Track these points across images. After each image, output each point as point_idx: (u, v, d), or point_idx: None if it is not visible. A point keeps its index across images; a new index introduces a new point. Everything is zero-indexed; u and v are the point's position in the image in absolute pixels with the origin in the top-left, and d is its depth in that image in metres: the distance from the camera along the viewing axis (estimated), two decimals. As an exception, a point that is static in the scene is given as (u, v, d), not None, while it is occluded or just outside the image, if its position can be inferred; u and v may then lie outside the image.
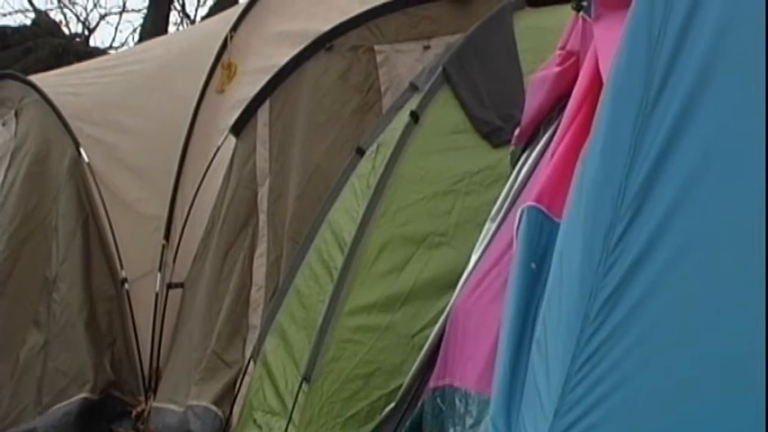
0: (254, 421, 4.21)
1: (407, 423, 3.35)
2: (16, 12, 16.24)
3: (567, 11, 3.03)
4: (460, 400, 2.95)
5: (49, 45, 11.95)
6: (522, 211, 2.44)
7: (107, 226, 5.51)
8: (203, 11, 15.37)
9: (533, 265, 2.29)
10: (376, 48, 4.96)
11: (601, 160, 1.82)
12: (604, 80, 2.38)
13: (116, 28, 20.56)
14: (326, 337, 3.88)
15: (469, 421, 2.89)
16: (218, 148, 5.39)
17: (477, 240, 3.25)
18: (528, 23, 4.18)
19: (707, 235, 1.71)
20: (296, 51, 5.01)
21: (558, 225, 2.13)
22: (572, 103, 2.66)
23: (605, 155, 1.81)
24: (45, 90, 5.83)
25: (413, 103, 4.03)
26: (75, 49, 12.20)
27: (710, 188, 1.72)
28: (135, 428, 5.25)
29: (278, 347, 4.17)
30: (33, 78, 6.09)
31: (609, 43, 2.38)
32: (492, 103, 4.06)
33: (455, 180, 3.82)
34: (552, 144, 2.74)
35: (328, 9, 5.37)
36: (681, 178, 1.73)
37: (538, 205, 2.42)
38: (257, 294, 4.95)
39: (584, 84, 2.62)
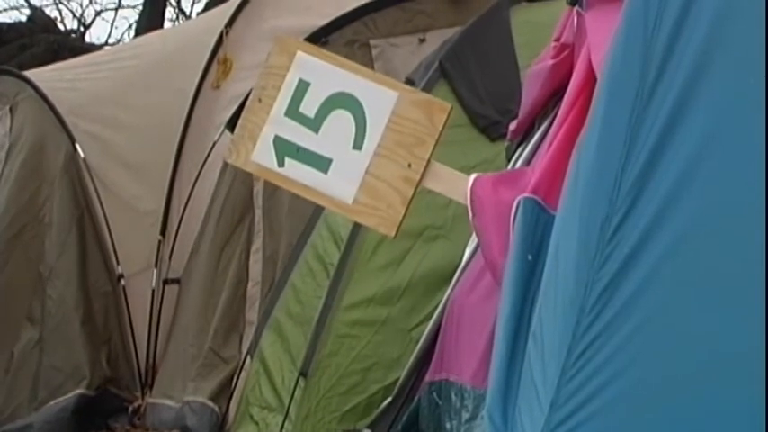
0: (251, 417, 4.21)
1: (404, 417, 3.35)
2: (11, 8, 16.23)
3: (563, 5, 3.03)
4: (456, 395, 2.95)
5: (44, 41, 11.93)
6: (519, 203, 2.43)
7: (103, 222, 5.51)
8: (199, 7, 15.36)
9: (530, 257, 2.29)
10: (371, 42, 4.96)
11: (596, 152, 1.81)
12: (596, 71, 2.38)
13: (112, 24, 20.50)
14: (323, 331, 3.88)
15: (465, 416, 2.89)
16: (215, 144, 5.39)
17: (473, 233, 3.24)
18: (524, 18, 4.18)
19: (703, 227, 1.70)
20: (292, 46, 5.00)
21: (554, 217, 2.12)
22: (568, 96, 2.65)
23: (601, 146, 1.81)
24: (40, 85, 5.82)
25: (409, 98, 4.02)
26: (71, 46, 12.18)
27: (707, 180, 1.71)
28: (131, 424, 5.25)
29: (274, 343, 4.17)
30: (28, 74, 6.08)
31: (600, 34, 2.38)
32: (489, 97, 4.06)
33: (452, 174, 3.82)
34: (548, 137, 2.73)
35: (324, 4, 5.37)
36: (677, 170, 1.72)
37: (534, 197, 2.42)
38: (253, 290, 4.95)
39: (580, 77, 2.61)
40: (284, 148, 2.70)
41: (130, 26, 15.75)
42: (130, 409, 5.29)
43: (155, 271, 5.50)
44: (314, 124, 2.69)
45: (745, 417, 1.63)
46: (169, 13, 15.30)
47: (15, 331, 5.45)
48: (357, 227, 3.87)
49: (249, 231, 5.02)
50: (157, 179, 5.64)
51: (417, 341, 3.50)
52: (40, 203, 5.58)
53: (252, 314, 4.90)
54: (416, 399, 3.26)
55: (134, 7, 15.84)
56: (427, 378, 3.16)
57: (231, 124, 5.13)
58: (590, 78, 2.50)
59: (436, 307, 3.43)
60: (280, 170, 2.71)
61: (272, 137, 2.72)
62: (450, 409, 2.95)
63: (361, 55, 4.90)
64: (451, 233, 3.81)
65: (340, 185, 2.64)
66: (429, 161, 2.61)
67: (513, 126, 3.28)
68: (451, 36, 4.31)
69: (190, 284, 5.24)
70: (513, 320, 2.23)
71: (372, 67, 4.85)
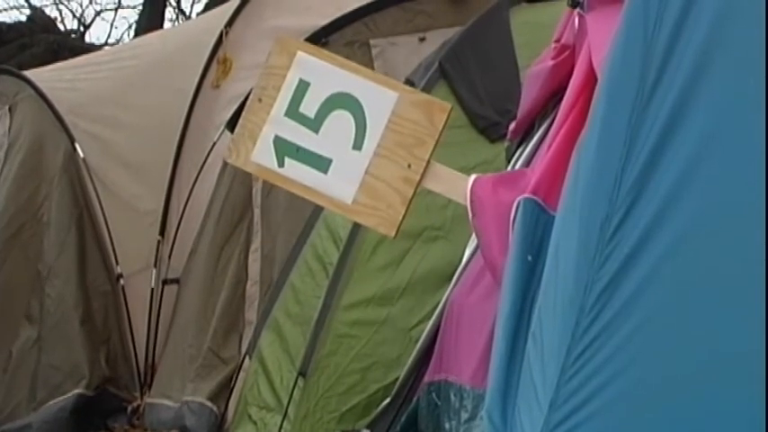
0: (250, 417, 4.21)
1: (403, 418, 3.35)
2: (11, 8, 16.27)
3: (563, 6, 3.03)
4: (455, 395, 2.95)
5: (44, 41, 11.94)
6: (519, 204, 2.44)
7: (102, 221, 5.51)
8: (199, 7, 15.37)
9: (529, 258, 2.29)
10: (371, 42, 4.96)
11: (596, 152, 1.81)
12: (597, 72, 2.38)
13: (111, 24, 20.48)
14: (323, 331, 3.88)
15: (464, 416, 2.89)
16: (214, 144, 5.39)
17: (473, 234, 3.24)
18: (524, 19, 4.18)
19: (703, 227, 1.70)
20: (292, 46, 5.00)
21: (554, 218, 2.13)
22: (568, 96, 2.65)
23: (601, 147, 1.81)
24: (40, 85, 5.83)
25: (409, 99, 4.02)
26: (71, 46, 12.18)
27: (706, 181, 1.71)
28: (130, 424, 5.25)
29: (273, 343, 4.17)
30: (28, 73, 6.09)
31: (601, 36, 2.38)
32: (488, 98, 4.06)
33: (451, 175, 3.82)
34: (548, 137, 2.73)
35: (324, 4, 5.38)
36: (677, 171, 1.72)
37: (534, 197, 2.42)
38: (252, 289, 4.95)
39: (580, 78, 2.61)
40: (284, 148, 2.71)
41: (130, 26, 15.78)
42: (129, 408, 5.30)
43: (154, 271, 5.50)
44: (314, 124, 2.69)
45: (745, 417, 1.63)
46: (169, 13, 15.33)
47: (14, 330, 5.45)
48: (356, 227, 3.87)
49: (248, 231, 5.02)
50: (157, 179, 5.64)
51: (417, 341, 3.50)
52: (39, 202, 5.58)
53: (251, 314, 4.90)
54: (415, 399, 3.26)
55: (134, 7, 15.86)
56: (426, 378, 3.16)
57: (231, 124, 5.13)
58: (590, 79, 2.50)
59: (436, 307, 3.43)
60: (280, 170, 2.71)
61: (272, 137, 2.72)
62: (449, 409, 2.95)
63: (360, 54, 4.90)
64: (451, 234, 3.81)
65: (340, 186, 2.64)
66: (429, 161, 2.61)
67: (512, 126, 3.28)
68: (451, 36, 4.31)
69: (189, 284, 5.24)
70: (513, 320, 2.23)
71: (372, 67, 4.86)
